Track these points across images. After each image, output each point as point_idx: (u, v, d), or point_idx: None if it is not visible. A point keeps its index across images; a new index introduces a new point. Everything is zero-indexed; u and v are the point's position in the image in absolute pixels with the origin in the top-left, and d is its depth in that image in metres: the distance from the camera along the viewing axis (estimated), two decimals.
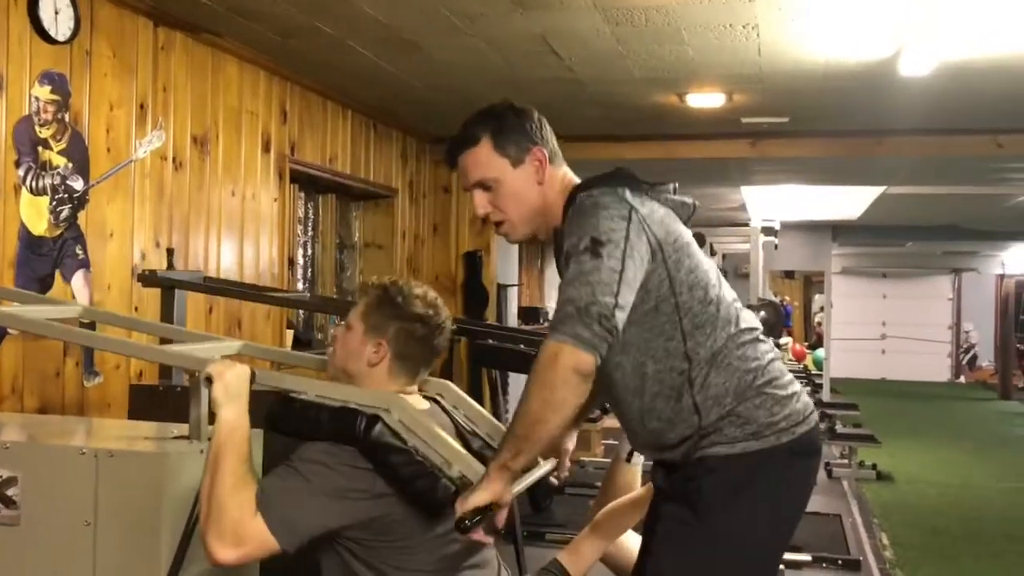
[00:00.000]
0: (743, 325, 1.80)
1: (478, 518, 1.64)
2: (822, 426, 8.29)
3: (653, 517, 1.84)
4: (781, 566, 3.58)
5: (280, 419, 1.82)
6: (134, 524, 1.80)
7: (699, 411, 1.74)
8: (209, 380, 1.77)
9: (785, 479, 1.79)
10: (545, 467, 1.92)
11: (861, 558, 5.51)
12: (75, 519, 1.82)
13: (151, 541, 1.79)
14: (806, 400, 1.83)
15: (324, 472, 1.72)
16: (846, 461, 8.19)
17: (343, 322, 1.98)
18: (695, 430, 1.74)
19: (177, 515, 1.78)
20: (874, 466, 8.20)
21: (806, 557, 5.36)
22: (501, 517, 1.72)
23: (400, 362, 1.89)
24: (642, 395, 1.78)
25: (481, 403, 2.24)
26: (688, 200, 1.87)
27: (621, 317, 1.64)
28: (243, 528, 1.66)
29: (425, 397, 1.97)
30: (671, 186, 1.85)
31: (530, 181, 1.83)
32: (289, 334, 4.50)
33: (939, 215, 10.68)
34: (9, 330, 2.79)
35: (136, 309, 3.30)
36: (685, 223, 1.85)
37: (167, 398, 2.77)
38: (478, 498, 1.65)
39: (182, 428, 2.01)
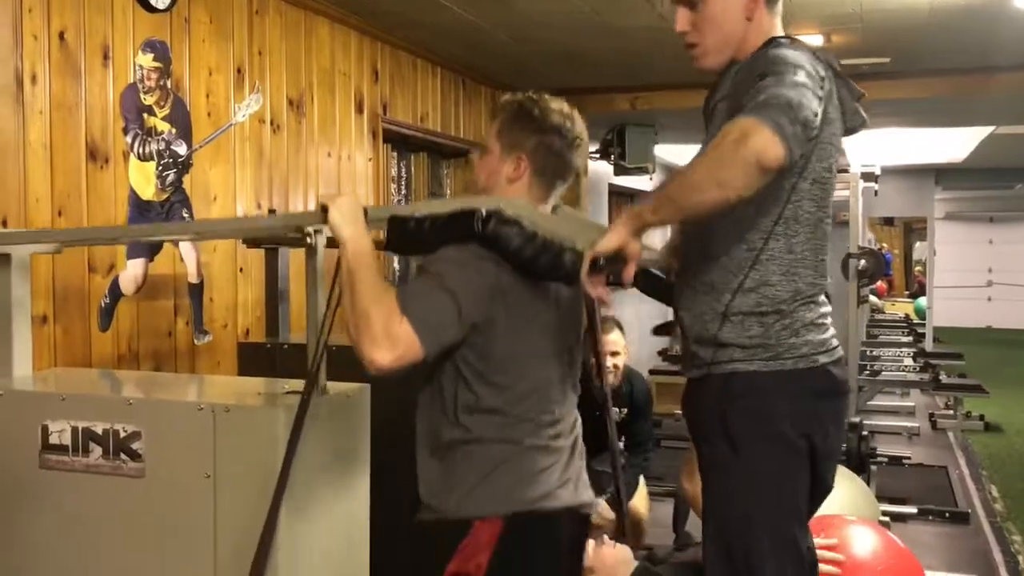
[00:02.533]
0: (820, 259, 1.76)
1: (609, 263, 1.63)
2: (926, 376, 8.10)
3: (699, 456, 1.84)
4: (886, 518, 3.53)
5: (399, 238, 1.82)
6: (251, 477, 1.87)
7: (735, 296, 1.71)
8: (324, 209, 1.77)
9: (809, 418, 1.74)
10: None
11: (970, 511, 5.38)
12: (196, 472, 1.90)
13: (268, 492, 1.84)
14: (832, 333, 1.78)
15: (453, 272, 1.72)
16: (951, 412, 7.97)
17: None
18: (720, 318, 1.72)
19: (294, 469, 1.83)
20: (981, 417, 7.95)
21: (912, 510, 5.26)
22: (629, 271, 1.66)
23: (539, 177, 1.86)
24: (702, 249, 1.75)
25: None
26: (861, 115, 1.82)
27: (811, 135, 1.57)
28: (392, 329, 1.66)
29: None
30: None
31: (738, 12, 1.77)
32: None
33: None
34: (123, 291, 2.90)
35: (241, 270, 3.40)
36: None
37: (274, 355, 2.85)
38: (608, 241, 1.63)
39: (292, 384, 2.07)
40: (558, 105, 1.89)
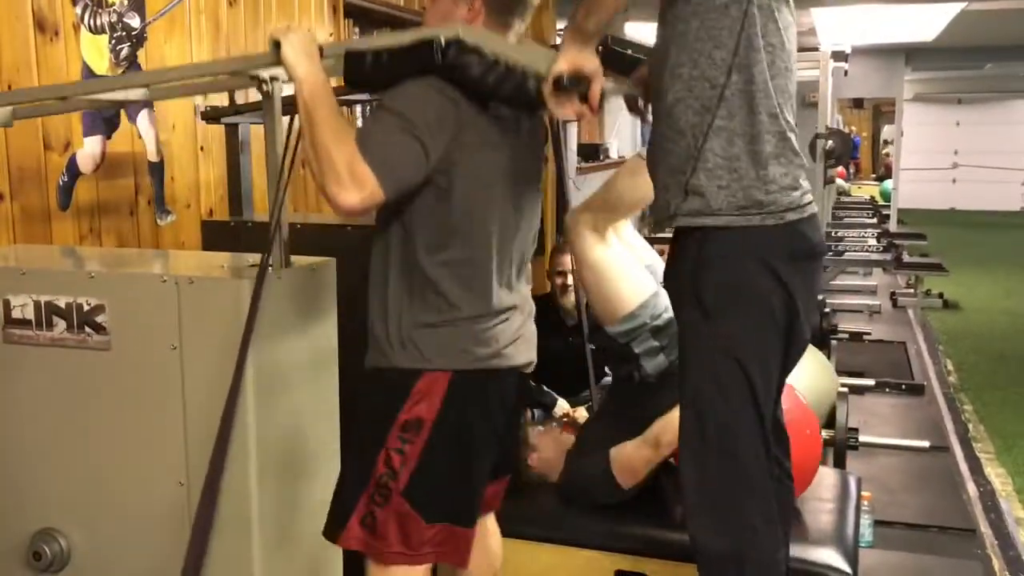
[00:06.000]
0: (787, 113, 1.75)
1: (572, 84, 1.64)
2: (888, 256, 8.23)
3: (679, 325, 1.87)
4: (844, 389, 3.64)
5: (356, 74, 1.78)
6: (218, 348, 1.87)
7: (706, 139, 1.70)
8: (277, 45, 1.72)
9: (782, 282, 1.76)
10: None
11: (925, 383, 5.57)
12: (162, 344, 1.90)
13: (235, 363, 1.86)
14: (806, 188, 1.79)
15: (414, 108, 1.69)
16: (912, 290, 8.14)
17: None
18: (690, 165, 1.71)
19: (259, 339, 1.84)
20: (941, 295, 8.15)
21: (869, 382, 5.44)
22: (595, 89, 1.69)
23: (496, 15, 1.82)
24: (665, 97, 1.75)
25: None
26: None
27: None
28: (357, 169, 1.63)
29: None
30: None
31: None
32: None
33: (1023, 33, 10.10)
34: (82, 170, 2.84)
35: (202, 149, 3.34)
36: None
37: (239, 233, 2.83)
38: (561, 60, 1.65)
39: (256, 258, 2.06)
40: None
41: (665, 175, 1.79)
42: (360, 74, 1.77)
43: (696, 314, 1.77)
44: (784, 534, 1.88)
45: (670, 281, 1.90)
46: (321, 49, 1.75)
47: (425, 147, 1.69)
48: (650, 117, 1.90)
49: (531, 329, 1.99)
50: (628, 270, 2.59)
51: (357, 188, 1.63)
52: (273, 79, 1.88)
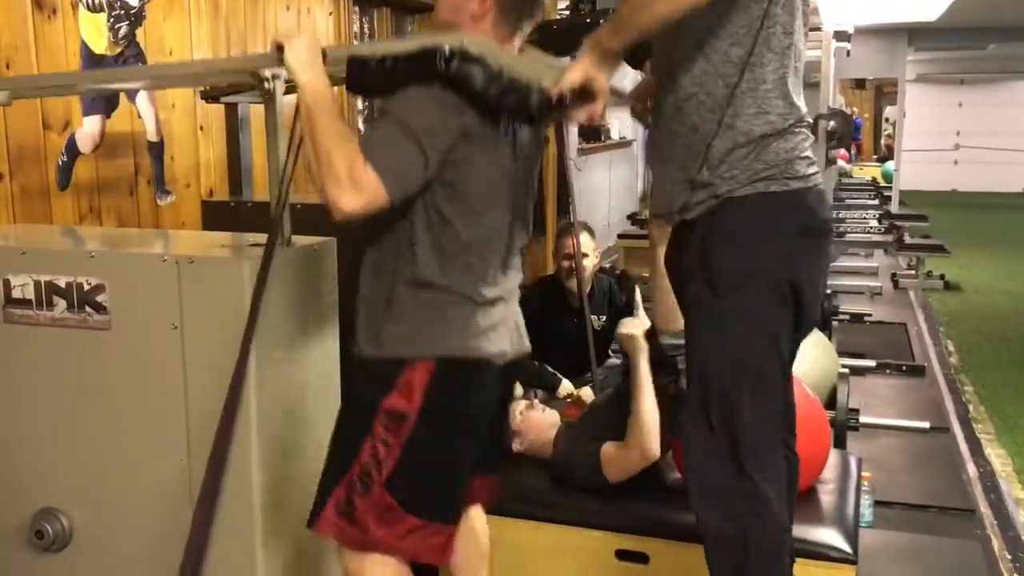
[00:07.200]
0: (796, 86, 1.74)
1: (577, 99, 1.63)
2: (890, 238, 8.21)
3: (681, 302, 1.85)
4: (845, 370, 3.64)
5: (360, 79, 1.78)
6: (219, 327, 1.87)
7: (716, 136, 1.69)
8: (280, 49, 1.73)
9: (792, 258, 1.74)
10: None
11: (925, 364, 5.57)
12: (162, 323, 1.90)
13: (236, 343, 1.85)
14: (811, 162, 1.77)
15: (417, 115, 1.69)
16: (913, 272, 8.13)
17: None
18: (698, 162, 1.70)
19: (261, 318, 1.83)
20: (942, 276, 8.14)
21: (870, 363, 5.44)
22: (598, 108, 1.69)
23: (505, 14, 1.80)
24: (676, 91, 1.73)
25: None
26: None
27: None
28: (357, 174, 1.64)
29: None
30: None
31: None
32: None
33: None
34: (81, 150, 2.83)
35: (201, 128, 3.32)
36: None
37: (239, 213, 2.82)
38: (572, 74, 1.63)
39: (257, 237, 2.06)
40: None
41: (674, 171, 1.77)
42: (363, 80, 1.77)
43: (704, 290, 1.75)
44: (789, 513, 1.87)
45: (675, 264, 1.87)
46: (325, 53, 1.75)
47: (426, 153, 1.69)
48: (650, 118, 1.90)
49: (516, 319, 1.97)
50: None
51: (357, 192, 1.64)
52: (275, 77, 1.88)
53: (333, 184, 1.64)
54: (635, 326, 2.53)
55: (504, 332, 1.89)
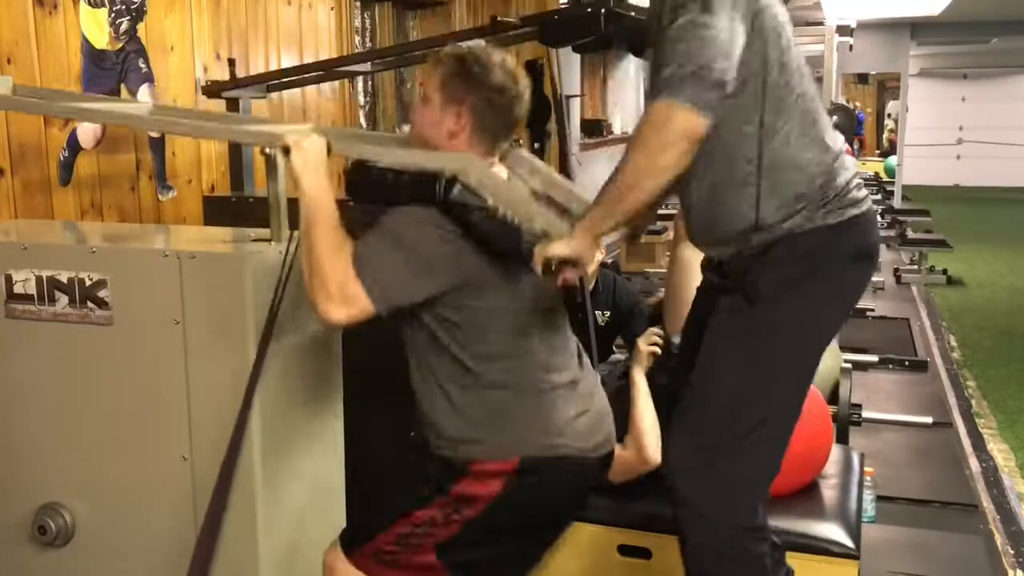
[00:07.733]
0: (822, 129, 1.74)
1: (563, 263, 1.67)
2: (892, 233, 8.21)
3: (711, 312, 1.84)
4: (848, 366, 3.63)
5: (359, 186, 1.83)
6: (221, 322, 1.87)
7: (759, 206, 1.70)
8: (286, 151, 1.78)
9: (842, 279, 1.76)
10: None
11: (928, 359, 5.56)
12: (164, 318, 1.90)
13: (238, 338, 1.86)
14: (858, 184, 1.78)
15: (414, 237, 1.72)
16: (915, 266, 8.12)
17: (421, 91, 1.92)
18: (751, 225, 1.71)
19: (261, 313, 1.84)
20: (944, 271, 8.12)
21: (873, 358, 5.43)
22: (574, 277, 1.71)
23: (480, 133, 1.83)
24: (703, 178, 1.73)
25: None
26: None
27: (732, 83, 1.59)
28: (347, 288, 1.69)
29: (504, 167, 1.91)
30: None
31: None
32: None
33: None
34: (83, 145, 2.83)
35: None
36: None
37: (240, 209, 2.82)
38: (559, 248, 1.66)
39: (259, 232, 2.06)
40: (500, 59, 1.83)
41: (725, 232, 1.76)
42: (365, 188, 1.82)
43: (739, 302, 1.74)
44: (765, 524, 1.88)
45: (716, 265, 1.86)
46: (329, 147, 1.79)
47: (416, 275, 1.71)
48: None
49: (599, 410, 1.91)
50: None
51: (345, 306, 1.69)
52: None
53: (323, 296, 1.69)
54: (649, 340, 2.54)
55: (587, 424, 1.84)
